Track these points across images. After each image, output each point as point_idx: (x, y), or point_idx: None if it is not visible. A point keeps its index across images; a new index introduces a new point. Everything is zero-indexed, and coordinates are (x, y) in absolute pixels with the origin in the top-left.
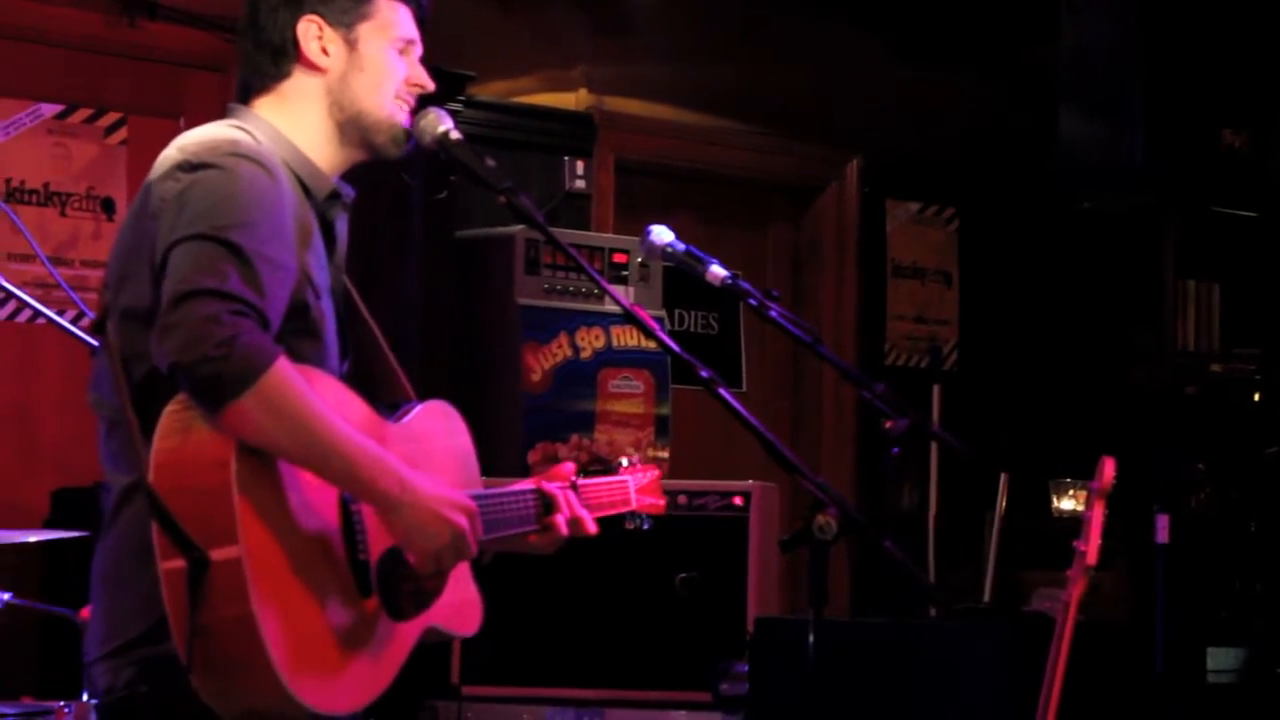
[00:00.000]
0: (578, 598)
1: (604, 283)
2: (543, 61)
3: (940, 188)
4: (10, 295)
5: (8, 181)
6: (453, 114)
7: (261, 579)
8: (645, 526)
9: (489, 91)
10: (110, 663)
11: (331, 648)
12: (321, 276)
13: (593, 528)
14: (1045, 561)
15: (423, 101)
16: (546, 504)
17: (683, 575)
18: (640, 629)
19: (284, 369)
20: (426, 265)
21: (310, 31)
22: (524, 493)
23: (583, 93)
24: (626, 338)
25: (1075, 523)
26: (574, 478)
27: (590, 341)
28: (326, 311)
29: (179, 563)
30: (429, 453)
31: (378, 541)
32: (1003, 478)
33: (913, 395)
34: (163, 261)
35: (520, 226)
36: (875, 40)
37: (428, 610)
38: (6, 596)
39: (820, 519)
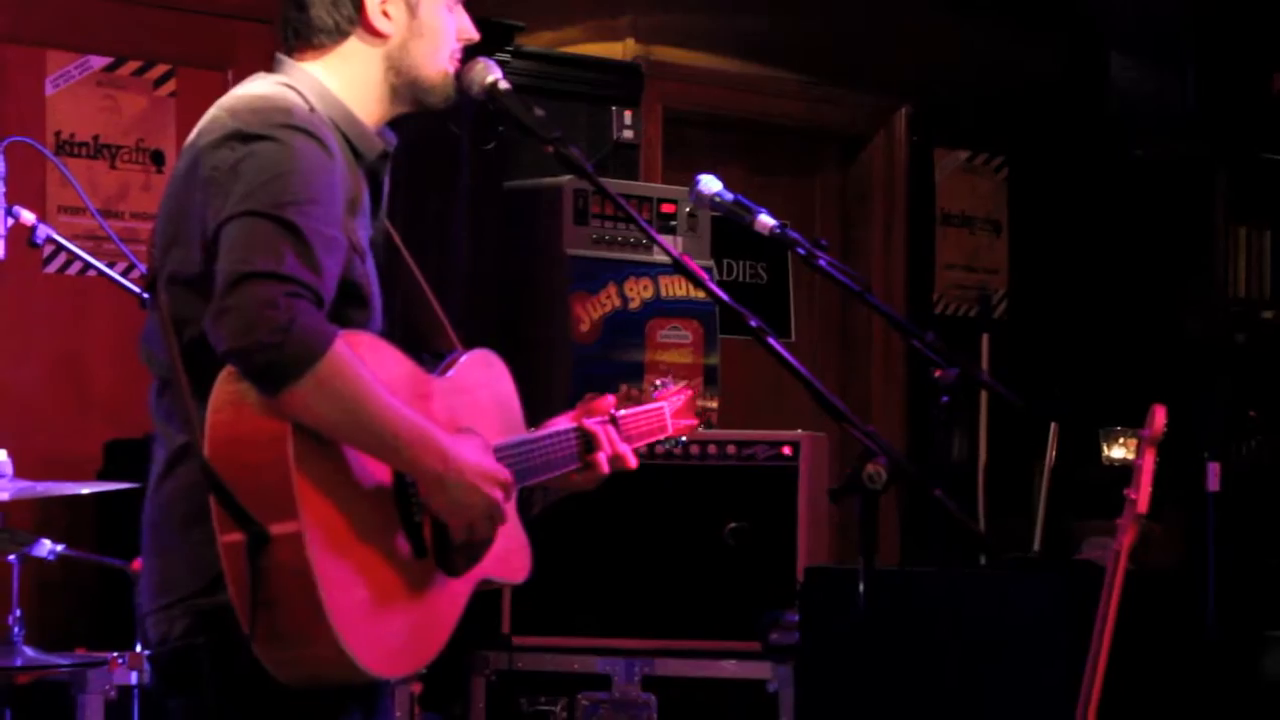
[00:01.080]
0: (628, 548)
1: (653, 232)
2: (590, 11)
3: (989, 136)
4: (61, 248)
5: (57, 134)
6: (501, 64)
7: (322, 552)
8: (679, 443)
9: (537, 42)
10: (165, 614)
11: (392, 613)
12: (365, 236)
13: (633, 462)
14: (1095, 510)
15: (470, 51)
16: (587, 442)
17: (732, 525)
18: (690, 579)
19: (340, 353)
20: (475, 216)
21: None
22: (566, 433)
23: (630, 42)
24: (675, 288)
25: (1126, 471)
26: (613, 410)
27: (639, 291)
28: (371, 272)
29: (238, 536)
30: (473, 404)
31: (436, 512)
32: (1053, 426)
33: (962, 344)
34: (215, 235)
35: (569, 177)
36: None
37: (479, 563)
38: (60, 548)
39: (870, 468)
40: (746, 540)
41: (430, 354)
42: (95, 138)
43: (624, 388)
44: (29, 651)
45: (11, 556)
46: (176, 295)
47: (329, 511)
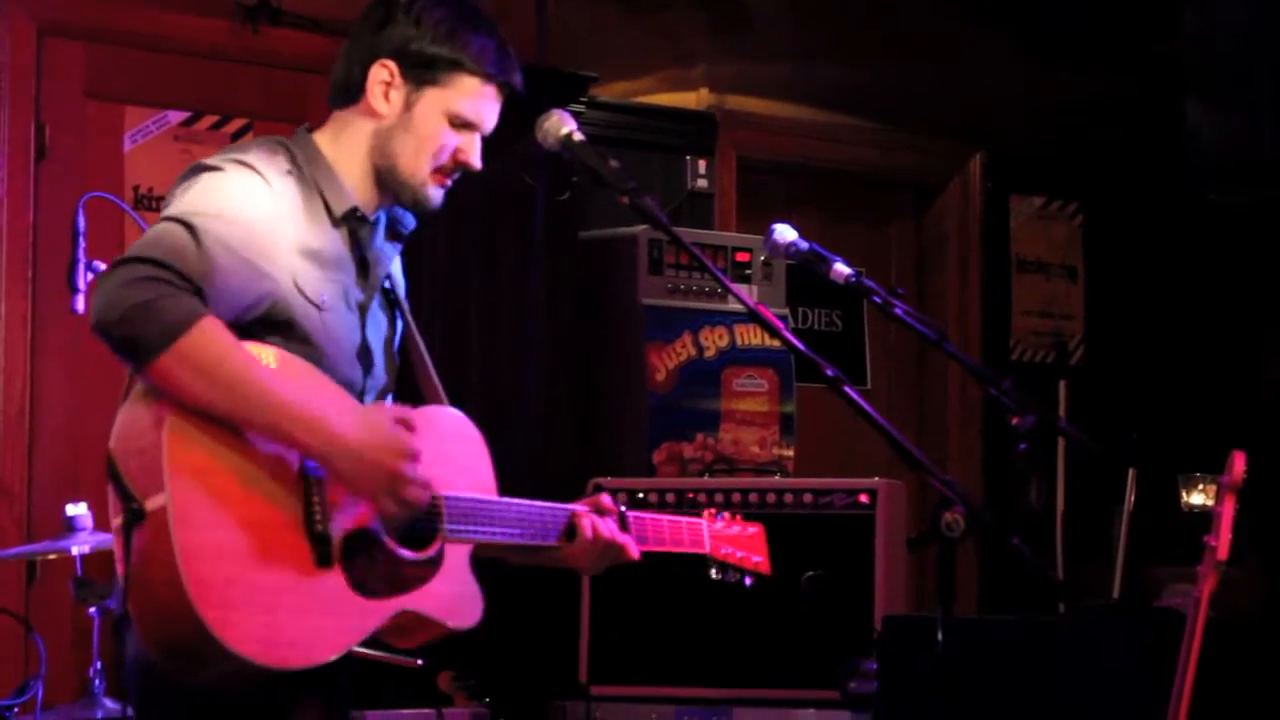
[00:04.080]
0: (705, 597)
1: (728, 281)
2: (664, 61)
3: (1064, 182)
4: None
5: (135, 189)
6: (575, 115)
7: (188, 527)
8: (746, 584)
9: (610, 92)
10: (130, 631)
11: (272, 601)
12: (329, 290)
13: (633, 554)
14: (1175, 557)
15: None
16: (573, 529)
17: (809, 574)
18: (767, 628)
19: (206, 328)
20: (550, 266)
21: (380, 76)
22: (551, 509)
23: (704, 92)
24: (750, 336)
25: (1205, 518)
26: (621, 509)
27: (714, 340)
28: (332, 324)
29: (120, 519)
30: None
31: (346, 517)
32: (1131, 473)
33: (1039, 391)
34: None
35: (643, 226)
36: (998, 34)
37: (405, 595)
38: None
39: (948, 516)
40: (824, 589)
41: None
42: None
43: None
44: (109, 703)
45: (92, 609)
46: None
47: (205, 491)
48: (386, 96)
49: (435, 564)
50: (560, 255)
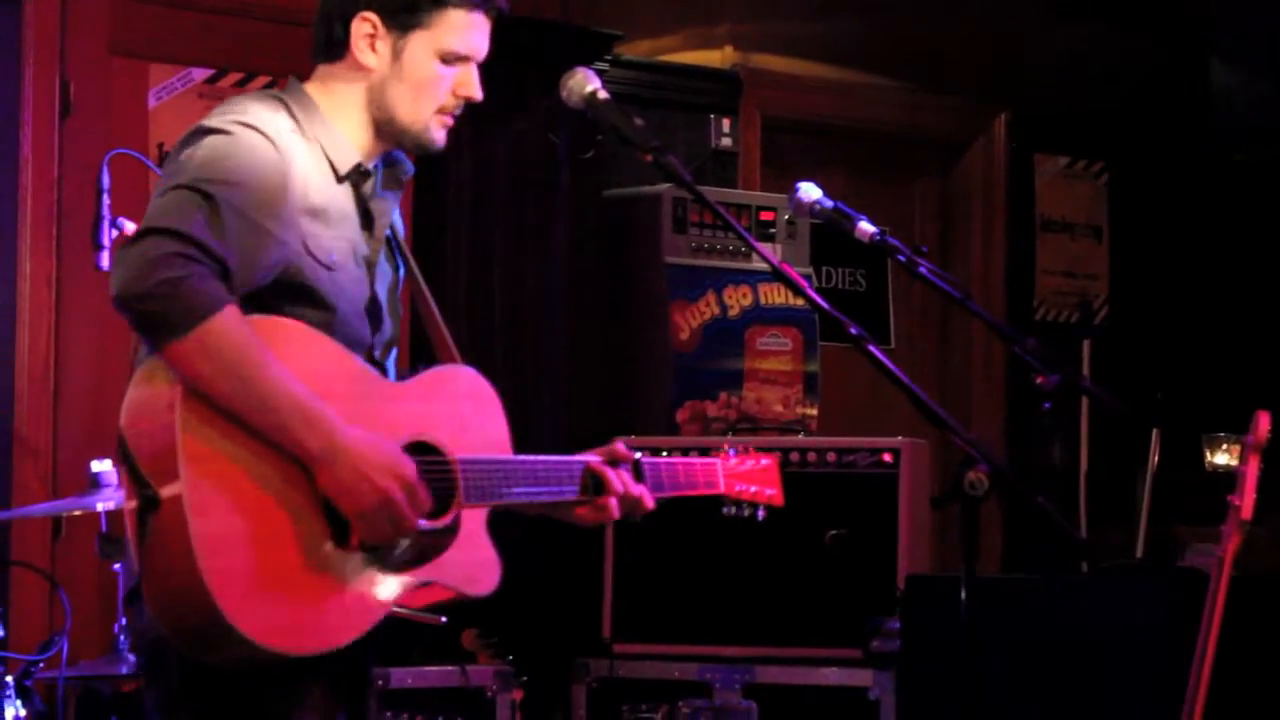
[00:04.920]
0: (728, 555)
1: (752, 240)
2: (688, 19)
3: (1090, 141)
4: None
5: (159, 146)
6: (599, 73)
7: (201, 515)
8: (759, 517)
9: (635, 50)
10: (139, 604)
11: (288, 587)
12: (338, 247)
13: (650, 504)
14: (1199, 517)
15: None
16: (596, 482)
17: (833, 533)
18: (791, 586)
19: (228, 319)
20: (574, 225)
21: (363, 30)
22: (567, 463)
23: (728, 50)
24: (774, 295)
25: (1229, 477)
26: (636, 456)
27: (738, 299)
28: (343, 281)
29: (135, 502)
30: (431, 414)
31: (327, 494)
32: (1155, 432)
33: (1063, 350)
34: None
35: (668, 185)
36: None
37: (424, 567)
38: None
39: (971, 475)
40: (848, 548)
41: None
42: None
43: (723, 396)
44: (134, 659)
45: (117, 565)
46: None
47: (219, 478)
48: (373, 48)
49: (452, 532)
50: (584, 214)
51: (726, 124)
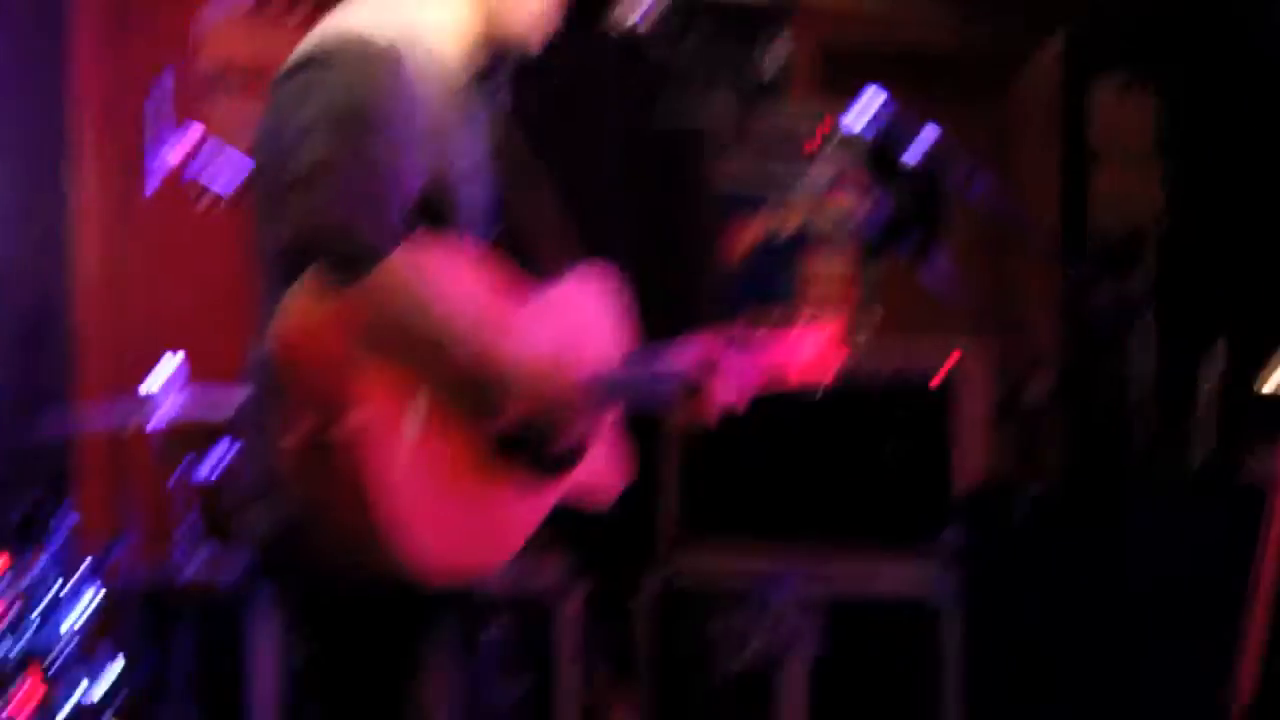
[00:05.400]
0: (792, 462)
1: (805, 160)
2: None
3: (1147, 63)
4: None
5: (214, 62)
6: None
7: (374, 451)
8: (821, 394)
9: None
10: (254, 505)
11: (451, 518)
12: (467, 160)
13: (743, 407)
14: (1261, 433)
15: None
16: (695, 386)
17: (891, 443)
18: (851, 494)
19: (401, 257)
20: (626, 150)
21: None
22: (671, 376)
23: None
24: (828, 213)
25: None
26: (730, 357)
27: (791, 219)
28: (468, 194)
29: (299, 433)
30: (569, 319)
31: (500, 416)
32: (1219, 346)
33: (1121, 268)
34: (292, 146)
35: (719, 110)
36: None
37: (564, 479)
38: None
39: (1032, 385)
40: (906, 456)
41: (549, 265)
42: (251, 67)
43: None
44: (197, 558)
45: (180, 465)
46: (262, 200)
47: (387, 412)
48: None
49: (589, 438)
50: (635, 140)
51: (778, 49)
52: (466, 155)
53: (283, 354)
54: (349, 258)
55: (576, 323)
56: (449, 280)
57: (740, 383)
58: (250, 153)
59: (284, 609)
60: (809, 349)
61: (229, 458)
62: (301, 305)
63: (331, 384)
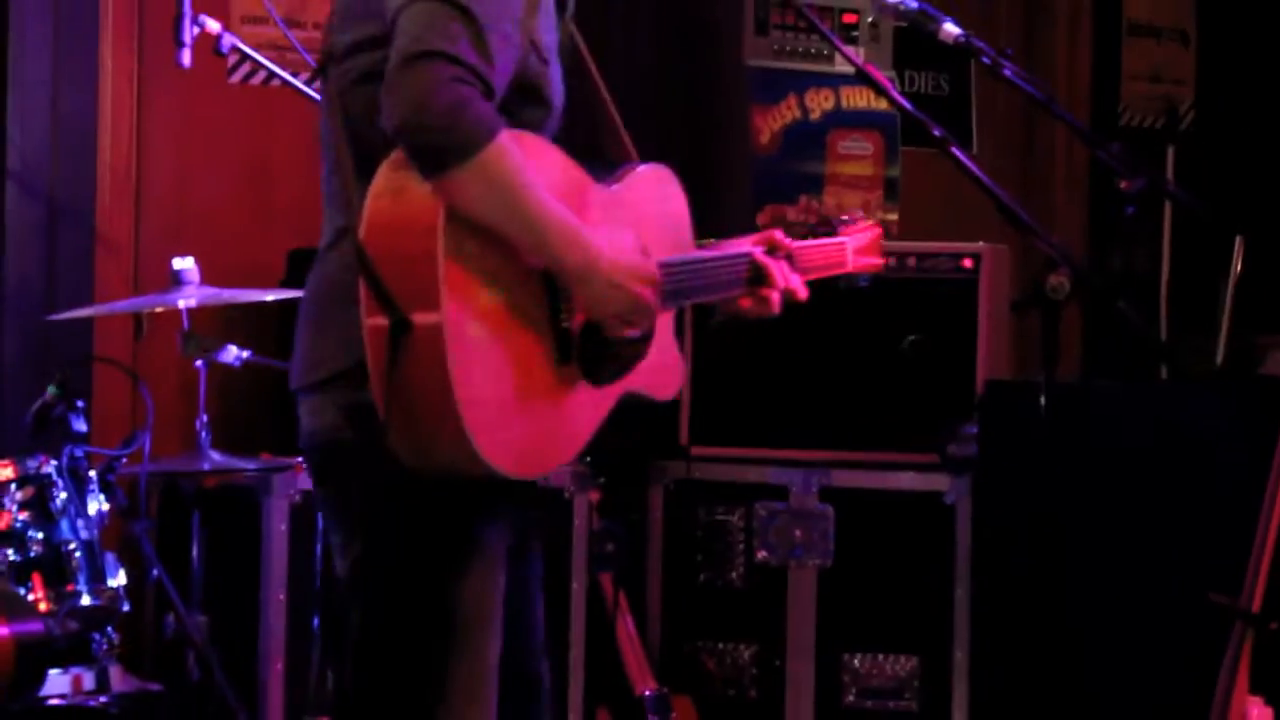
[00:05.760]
0: (806, 360)
1: (836, 41)
2: None
3: None
4: (246, 57)
5: None
6: None
7: (459, 345)
8: (862, 284)
9: None
10: (313, 400)
11: (526, 413)
12: (551, 38)
13: (804, 295)
14: None
15: None
16: (759, 273)
17: (911, 338)
18: (868, 391)
19: (504, 144)
20: (657, 27)
21: None
22: (737, 257)
23: None
24: (856, 99)
25: None
26: (790, 245)
27: (820, 103)
28: (554, 76)
29: (382, 321)
30: (637, 217)
31: (580, 309)
32: (1239, 240)
33: (1147, 155)
34: (393, 19)
35: None
36: None
37: (626, 376)
38: (246, 354)
39: (1053, 279)
40: (926, 353)
41: (605, 163)
42: None
43: (803, 199)
44: (215, 456)
45: (198, 362)
46: (346, 73)
47: (472, 306)
48: None
49: (649, 337)
50: (666, 15)
51: None
52: (549, 36)
53: (367, 240)
54: (458, 145)
55: (647, 218)
56: (546, 168)
57: (803, 266)
58: (335, 12)
59: (331, 507)
60: (862, 236)
61: (246, 355)
62: (393, 186)
63: (421, 272)
